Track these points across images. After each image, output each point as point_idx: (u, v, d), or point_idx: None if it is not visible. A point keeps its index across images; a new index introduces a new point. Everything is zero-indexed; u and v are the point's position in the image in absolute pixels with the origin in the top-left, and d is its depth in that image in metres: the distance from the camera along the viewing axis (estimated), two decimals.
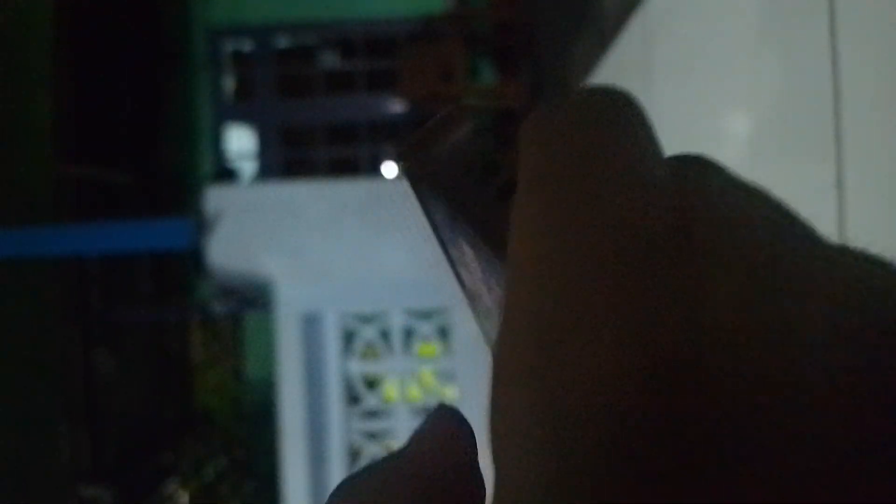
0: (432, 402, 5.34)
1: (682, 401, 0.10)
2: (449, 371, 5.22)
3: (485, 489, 0.19)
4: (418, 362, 5.28)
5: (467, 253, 0.17)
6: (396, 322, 5.21)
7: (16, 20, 5.20)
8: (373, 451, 5.27)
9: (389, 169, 6.71)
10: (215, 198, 4.72)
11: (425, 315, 5.23)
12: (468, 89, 5.29)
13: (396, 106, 6.35)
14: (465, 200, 0.17)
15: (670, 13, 1.61)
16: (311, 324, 5.03)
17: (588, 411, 0.11)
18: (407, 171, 0.17)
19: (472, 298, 0.22)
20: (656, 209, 0.12)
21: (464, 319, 5.10)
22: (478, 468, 0.19)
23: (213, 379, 6.40)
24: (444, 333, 5.22)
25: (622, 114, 0.14)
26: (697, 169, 0.14)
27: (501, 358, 0.14)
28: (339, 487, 0.17)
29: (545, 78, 3.86)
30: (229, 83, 6.81)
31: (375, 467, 0.18)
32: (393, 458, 0.18)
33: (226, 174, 6.37)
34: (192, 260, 5.21)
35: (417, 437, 0.19)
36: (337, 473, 5.15)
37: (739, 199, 0.13)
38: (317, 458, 5.06)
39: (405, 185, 0.17)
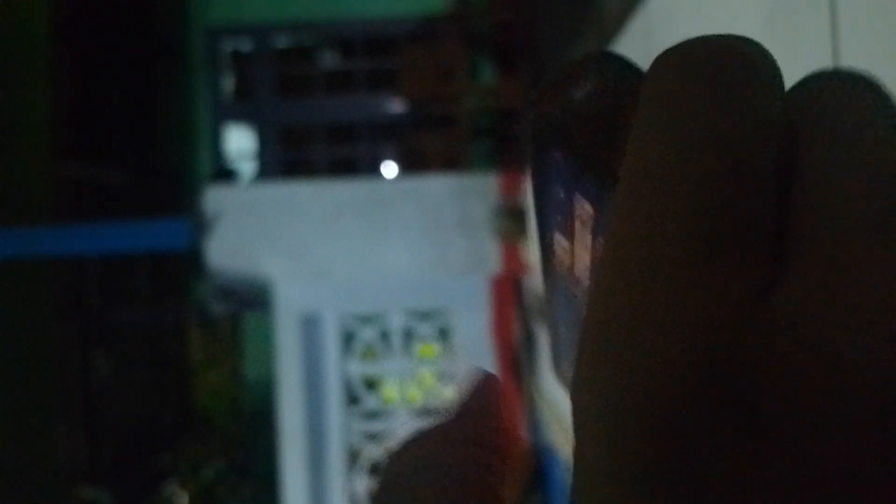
0: (432, 403, 5.33)
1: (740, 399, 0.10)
2: (449, 372, 5.21)
3: (525, 443, 0.22)
4: (418, 363, 5.27)
5: (586, 212, 0.16)
6: (396, 323, 5.20)
7: (14, 20, 5.18)
8: (372, 453, 5.27)
9: (389, 169, 6.70)
10: (214, 198, 4.71)
11: (425, 316, 5.22)
12: (468, 89, 5.28)
13: (396, 106, 6.33)
14: (596, 153, 0.15)
15: (671, 12, 1.61)
16: (310, 324, 5.02)
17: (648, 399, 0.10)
18: (539, 118, 0.16)
19: (556, 288, 0.20)
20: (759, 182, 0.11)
21: (463, 320, 5.09)
22: (518, 427, 0.20)
23: (212, 380, 6.39)
24: (444, 334, 5.21)
25: (748, 59, 0.12)
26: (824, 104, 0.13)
27: (588, 325, 0.12)
28: (402, 448, 0.18)
29: (545, 78, 3.86)
30: (228, 83, 6.79)
31: (432, 430, 0.19)
32: (448, 421, 0.18)
33: (225, 174, 6.35)
34: (190, 260, 5.20)
35: (466, 401, 0.19)
36: (336, 475, 5.14)
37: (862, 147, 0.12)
38: (316, 460, 5.06)
39: (529, 134, 0.16)
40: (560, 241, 0.19)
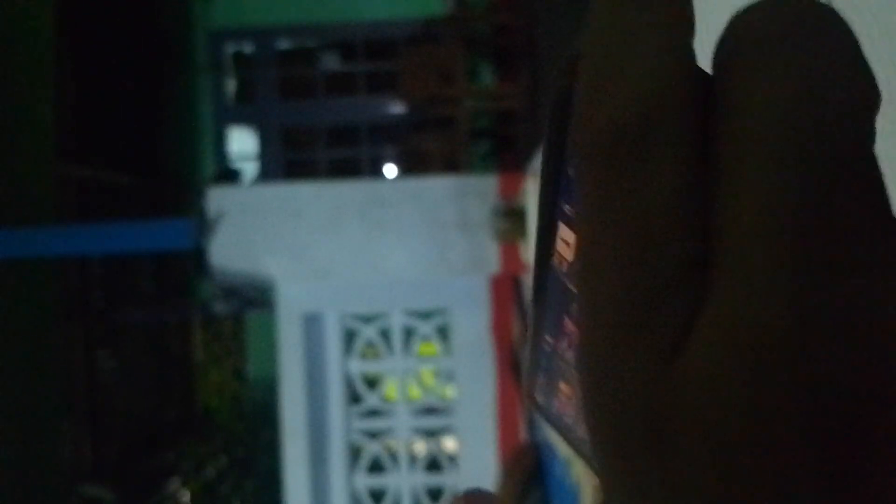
0: (432, 401, 5.37)
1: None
2: (449, 370, 5.24)
3: None
4: (418, 362, 5.31)
5: None
6: (397, 322, 5.24)
7: (18, 23, 5.22)
8: (373, 450, 5.30)
9: (389, 170, 6.73)
10: (217, 199, 4.73)
11: (425, 315, 5.25)
12: (468, 91, 5.31)
13: (397, 107, 6.38)
14: None
15: None
16: (311, 324, 5.05)
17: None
18: (560, 104, 0.16)
19: (548, 281, 0.20)
20: None
21: (463, 319, 5.13)
22: None
23: (215, 378, 6.42)
24: (443, 333, 5.24)
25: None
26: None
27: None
28: None
29: (544, 80, 3.89)
30: (231, 85, 6.83)
31: None
32: None
33: (227, 175, 6.39)
34: (193, 260, 5.23)
35: None
36: (338, 472, 5.18)
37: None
38: (317, 457, 5.08)
39: (548, 117, 0.16)
40: (564, 233, 0.19)
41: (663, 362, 0.13)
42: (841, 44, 0.13)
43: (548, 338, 0.22)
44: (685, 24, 0.14)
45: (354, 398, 5.26)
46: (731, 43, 0.13)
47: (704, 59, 0.14)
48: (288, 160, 6.72)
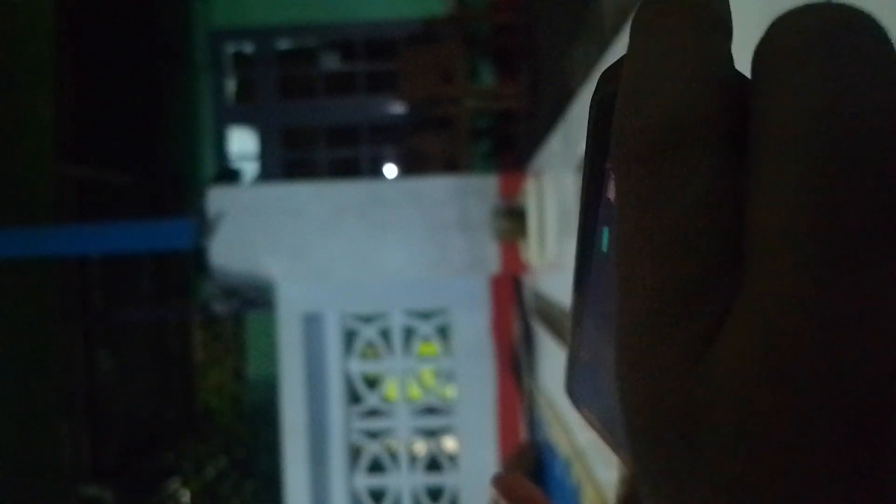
0: (432, 401, 5.37)
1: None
2: (449, 370, 5.25)
3: None
4: (418, 362, 5.31)
5: None
6: (397, 322, 5.24)
7: (18, 23, 5.22)
8: (373, 450, 5.30)
9: (389, 170, 6.74)
10: (217, 199, 4.73)
11: (425, 315, 5.25)
12: (468, 91, 5.31)
13: (397, 107, 6.38)
14: None
15: None
16: (311, 323, 5.05)
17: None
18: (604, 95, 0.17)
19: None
20: None
21: (463, 319, 5.13)
22: None
23: (215, 378, 6.42)
24: (443, 333, 5.24)
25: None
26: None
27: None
28: None
29: (544, 79, 3.89)
30: (231, 85, 6.84)
31: None
32: None
33: (227, 175, 6.39)
34: (193, 260, 5.23)
35: None
36: (338, 472, 5.18)
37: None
38: (317, 457, 5.09)
39: (592, 118, 0.17)
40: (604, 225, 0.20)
41: (695, 357, 0.14)
42: (876, 52, 0.13)
43: (589, 328, 0.22)
44: (722, 31, 0.15)
45: (354, 398, 5.26)
46: (767, 49, 0.14)
47: (744, 60, 0.15)
48: (288, 160, 6.73)
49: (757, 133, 0.13)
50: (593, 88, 0.17)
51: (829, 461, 0.12)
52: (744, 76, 0.15)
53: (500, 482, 0.26)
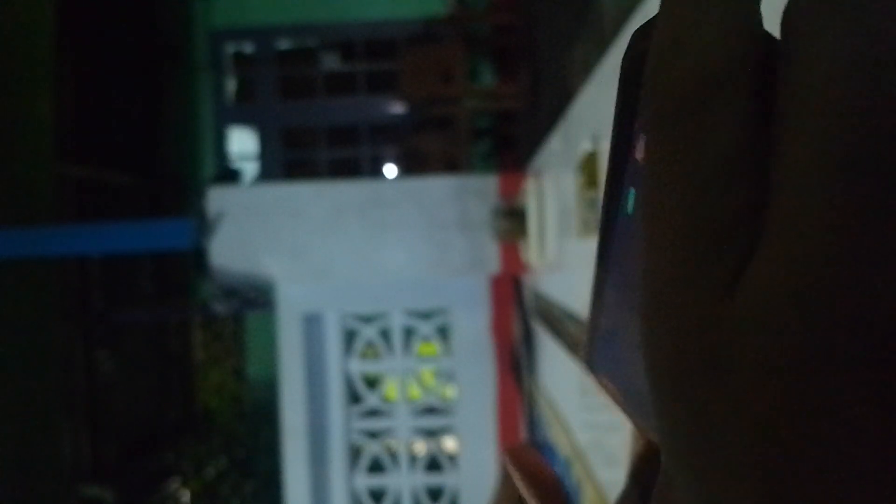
0: (432, 401, 5.37)
1: None
2: (449, 370, 5.25)
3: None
4: (418, 361, 5.31)
5: None
6: (397, 322, 5.24)
7: (18, 23, 5.22)
8: (373, 450, 5.30)
9: (389, 170, 6.74)
10: (217, 199, 4.73)
11: (425, 315, 5.25)
12: (468, 91, 5.31)
13: (397, 107, 6.38)
14: None
15: None
16: (311, 323, 5.05)
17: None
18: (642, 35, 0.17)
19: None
20: None
21: (463, 319, 5.13)
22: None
23: (215, 379, 6.42)
24: (443, 333, 5.24)
25: None
26: None
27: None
28: None
29: (544, 79, 3.88)
30: (231, 85, 6.84)
31: None
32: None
33: (227, 175, 6.39)
34: (193, 260, 5.23)
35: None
36: (338, 472, 5.18)
37: None
38: (317, 457, 5.09)
39: (623, 76, 0.18)
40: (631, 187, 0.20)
41: (721, 297, 0.14)
42: None
43: (610, 295, 0.22)
44: None
45: (354, 398, 5.26)
46: (795, 5, 0.14)
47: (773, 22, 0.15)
48: (288, 160, 6.73)
49: (787, 79, 0.14)
50: (627, 45, 0.18)
51: (856, 394, 0.13)
52: (771, 35, 0.15)
53: (512, 453, 0.27)
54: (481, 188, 4.72)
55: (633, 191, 0.19)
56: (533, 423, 4.59)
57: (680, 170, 0.15)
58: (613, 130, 0.19)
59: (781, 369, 0.13)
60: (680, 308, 0.15)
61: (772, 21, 0.15)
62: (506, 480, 0.30)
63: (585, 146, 2.39)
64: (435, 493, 5.31)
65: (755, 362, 0.13)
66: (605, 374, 0.24)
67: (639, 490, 0.24)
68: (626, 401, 0.23)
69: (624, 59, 0.18)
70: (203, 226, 4.68)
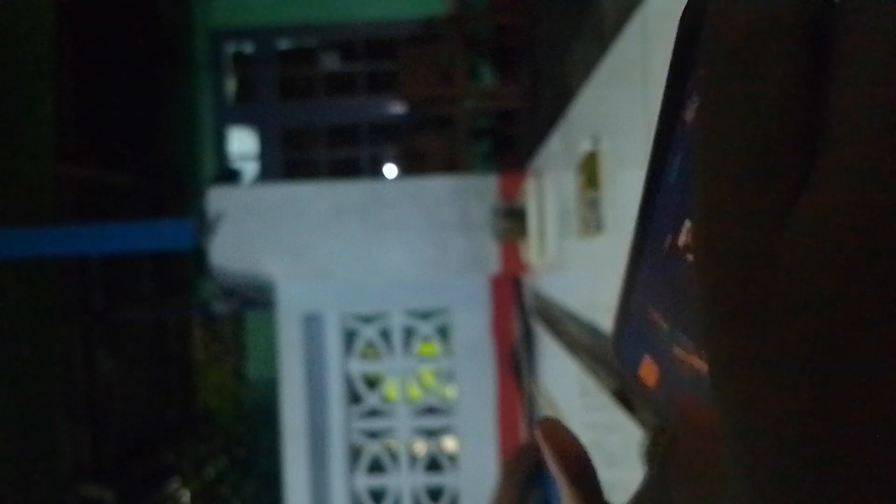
0: (432, 401, 5.37)
1: None
2: (449, 370, 5.25)
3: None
4: (418, 362, 5.31)
5: None
6: (397, 322, 5.24)
7: (18, 23, 5.22)
8: (373, 450, 5.30)
9: (389, 170, 6.74)
10: (217, 199, 4.74)
11: (425, 315, 5.26)
12: (468, 91, 5.31)
13: (397, 107, 6.38)
14: None
15: (669, 15, 1.63)
16: (311, 324, 5.06)
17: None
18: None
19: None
20: None
21: (463, 319, 5.13)
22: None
23: (215, 378, 6.43)
24: (443, 333, 5.25)
25: None
26: None
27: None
28: None
29: (544, 79, 3.89)
30: (231, 85, 6.84)
31: None
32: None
33: (227, 175, 6.40)
34: (193, 260, 5.24)
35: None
36: (338, 472, 5.18)
37: None
38: (317, 457, 5.09)
39: (683, 26, 0.18)
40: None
41: (775, 225, 0.15)
42: None
43: (646, 269, 0.22)
44: None
45: (354, 398, 5.26)
46: None
47: None
48: (288, 160, 6.73)
49: (844, 24, 0.15)
50: (686, 4, 0.18)
51: None
52: None
53: (543, 426, 0.27)
54: (481, 188, 4.73)
55: (679, 157, 0.19)
56: (533, 424, 4.59)
57: (738, 102, 0.15)
58: (665, 92, 0.19)
59: (829, 298, 0.14)
60: (735, 230, 0.15)
61: None
62: (506, 481, 0.30)
63: (585, 146, 2.39)
64: (435, 494, 5.31)
65: (804, 290, 0.14)
66: (635, 361, 0.24)
67: (662, 477, 0.24)
68: (661, 381, 0.22)
69: (682, 17, 0.18)
70: (203, 226, 4.69)
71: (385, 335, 5.27)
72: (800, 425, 0.14)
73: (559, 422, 0.27)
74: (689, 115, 0.18)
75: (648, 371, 0.23)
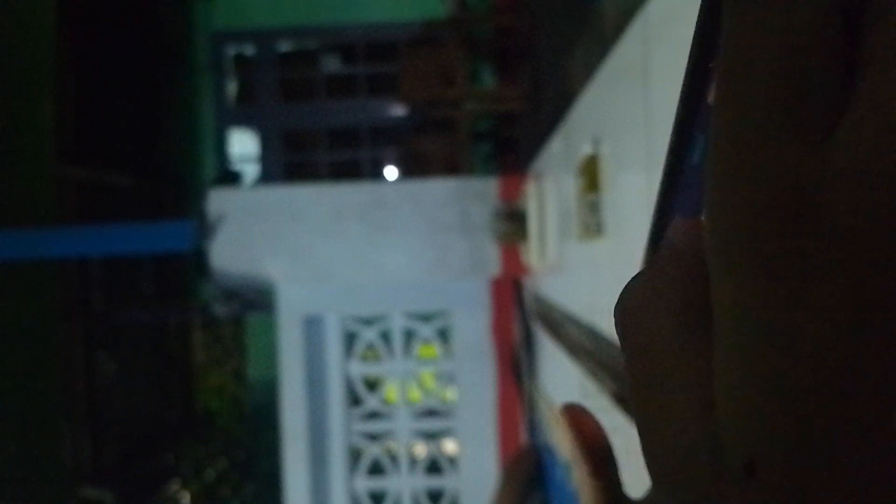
0: (432, 403, 5.37)
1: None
2: (449, 372, 5.24)
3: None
4: (418, 364, 5.31)
5: None
6: (397, 324, 5.24)
7: (19, 24, 5.22)
8: (373, 453, 5.30)
9: (390, 172, 6.74)
10: (218, 201, 4.74)
11: (425, 317, 5.26)
12: (468, 93, 5.32)
13: (397, 110, 6.38)
14: None
15: (670, 17, 1.63)
16: (312, 326, 5.06)
17: None
18: None
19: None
20: None
21: (463, 321, 5.13)
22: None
23: (215, 380, 6.42)
24: (443, 335, 5.24)
25: None
26: None
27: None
28: (624, 294, 0.20)
29: (545, 82, 3.89)
30: (231, 87, 6.84)
31: (645, 274, 0.20)
32: (658, 264, 0.19)
33: (228, 177, 6.40)
34: (194, 262, 5.24)
35: (669, 247, 0.20)
36: (338, 474, 5.18)
37: None
38: (317, 460, 5.09)
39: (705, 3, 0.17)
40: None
41: (813, 145, 0.14)
42: None
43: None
44: None
45: (355, 400, 5.26)
46: None
47: None
48: (288, 162, 6.73)
49: None
50: None
51: None
52: None
53: (568, 412, 0.26)
54: (482, 191, 4.73)
55: (702, 139, 0.19)
56: (533, 426, 4.59)
57: (772, 27, 0.15)
58: (686, 72, 0.19)
59: (871, 213, 0.13)
60: (772, 154, 0.15)
61: None
62: (506, 483, 0.30)
63: (586, 149, 2.39)
64: (435, 496, 5.31)
65: (846, 206, 0.14)
66: None
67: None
68: None
69: None
70: (203, 228, 4.69)
71: (385, 337, 5.27)
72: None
73: (585, 409, 0.27)
74: (712, 96, 0.18)
75: None
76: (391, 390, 5.38)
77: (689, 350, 0.17)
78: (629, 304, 0.19)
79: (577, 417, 0.26)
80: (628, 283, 0.19)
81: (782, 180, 0.14)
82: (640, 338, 0.18)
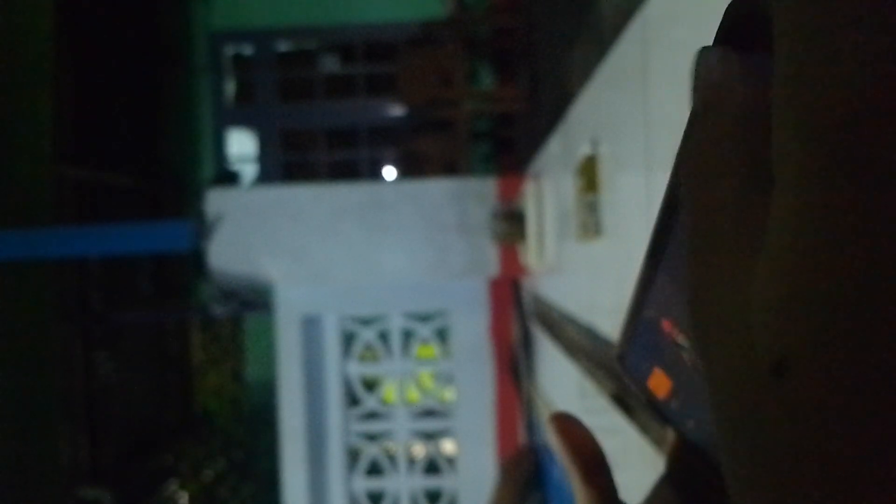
0: (431, 403, 5.37)
1: None
2: (447, 373, 5.25)
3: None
4: (417, 364, 5.31)
5: None
6: (395, 324, 5.24)
7: (18, 23, 5.22)
8: (372, 453, 5.30)
9: (389, 172, 6.74)
10: (216, 201, 4.74)
11: (424, 317, 5.26)
12: (467, 93, 5.32)
13: (396, 110, 6.38)
14: None
15: (669, 18, 1.63)
16: (310, 326, 5.06)
17: None
18: None
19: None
20: None
21: (462, 322, 5.13)
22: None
23: (213, 380, 6.42)
24: (442, 336, 5.25)
25: None
26: None
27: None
28: None
29: (544, 82, 3.89)
30: (230, 87, 6.84)
31: (703, 121, 0.18)
32: (713, 108, 0.17)
33: (226, 177, 6.40)
34: (192, 262, 5.24)
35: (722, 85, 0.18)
36: (336, 475, 5.18)
37: None
38: (316, 460, 5.09)
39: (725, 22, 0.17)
40: None
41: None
42: None
43: (661, 281, 0.21)
44: None
45: (353, 401, 5.26)
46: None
47: None
48: (287, 162, 6.73)
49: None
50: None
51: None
52: None
53: (556, 420, 0.26)
54: (480, 191, 4.73)
55: None
56: (532, 426, 4.59)
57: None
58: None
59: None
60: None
61: None
62: (504, 483, 0.30)
63: (584, 149, 2.39)
64: (433, 496, 5.31)
65: None
66: (639, 371, 0.23)
67: (673, 477, 0.24)
68: (677, 384, 0.22)
69: (726, 11, 0.17)
70: (202, 228, 4.69)
71: (384, 337, 5.27)
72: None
73: (573, 416, 0.26)
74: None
75: (659, 382, 0.23)
76: (389, 390, 5.38)
77: (750, 222, 0.16)
78: (693, 156, 0.18)
79: (566, 427, 0.26)
80: (685, 131, 0.18)
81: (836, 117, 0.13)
82: (706, 196, 0.17)
